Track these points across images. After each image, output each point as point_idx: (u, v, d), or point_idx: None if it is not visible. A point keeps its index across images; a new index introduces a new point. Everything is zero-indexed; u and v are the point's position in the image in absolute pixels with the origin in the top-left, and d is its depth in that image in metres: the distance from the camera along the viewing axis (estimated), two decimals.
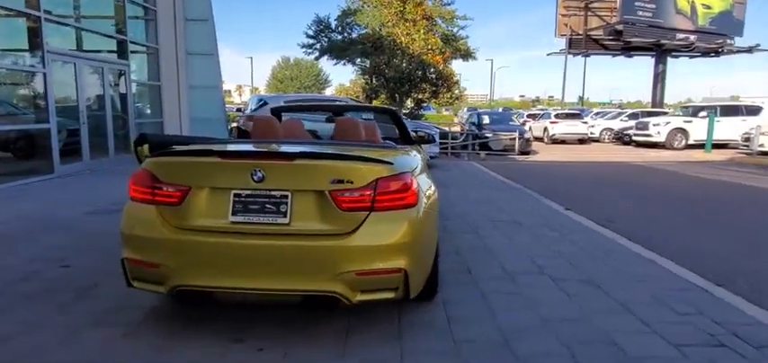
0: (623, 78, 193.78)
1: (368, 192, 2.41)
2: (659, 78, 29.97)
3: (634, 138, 19.94)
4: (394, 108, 4.82)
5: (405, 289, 2.49)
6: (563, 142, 21.51)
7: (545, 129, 21.98)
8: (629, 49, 30.15)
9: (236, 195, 2.43)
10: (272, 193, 2.41)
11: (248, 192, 2.43)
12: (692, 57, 31.57)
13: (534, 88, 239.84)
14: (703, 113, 18.40)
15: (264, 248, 2.38)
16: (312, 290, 2.41)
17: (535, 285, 3.58)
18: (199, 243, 2.39)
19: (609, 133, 23.14)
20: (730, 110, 18.32)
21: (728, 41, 29.81)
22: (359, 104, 6.92)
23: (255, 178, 2.39)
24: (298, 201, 2.41)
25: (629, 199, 8.35)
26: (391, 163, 2.53)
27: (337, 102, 10.47)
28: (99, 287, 3.39)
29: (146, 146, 2.90)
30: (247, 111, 13.57)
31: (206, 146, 2.72)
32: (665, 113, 22.53)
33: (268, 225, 2.41)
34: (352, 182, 2.40)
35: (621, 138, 21.79)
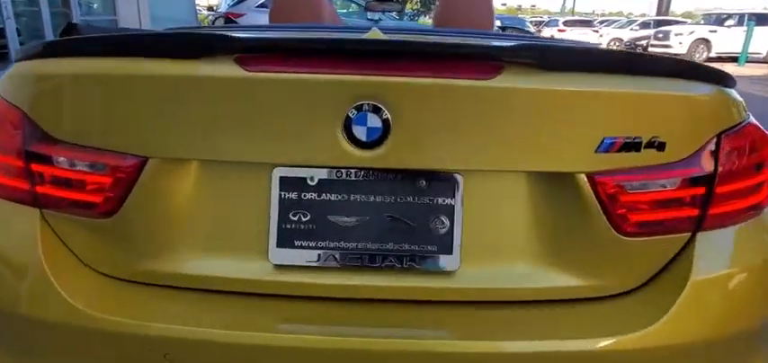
0: None
1: (695, 175, 0.75)
2: None
3: (651, 49, 18.30)
4: None
5: None
6: None
7: (552, 38, 20.11)
8: None
9: (286, 183, 0.77)
10: (418, 181, 0.79)
11: (329, 175, 0.77)
12: None
13: None
14: (731, 22, 16.78)
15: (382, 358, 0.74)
16: None
17: None
18: (172, 340, 0.73)
19: (618, 43, 21.40)
20: (760, 19, 16.66)
21: None
22: None
23: (360, 129, 0.72)
24: (483, 202, 0.78)
25: None
26: (733, 85, 0.87)
27: None
28: None
29: None
30: (222, 9, 11.29)
31: (194, 29, 0.92)
32: (679, 22, 20.85)
33: (391, 273, 0.78)
34: (662, 147, 0.74)
35: (632, 49, 20.18)
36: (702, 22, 18.87)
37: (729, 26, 16.71)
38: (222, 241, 0.82)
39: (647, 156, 0.78)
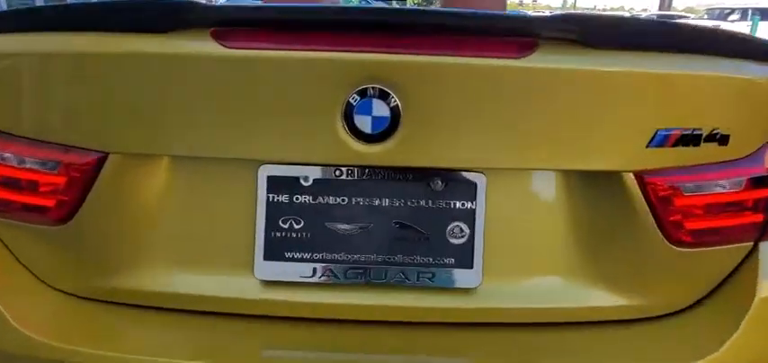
0: None
1: (761, 174, 0.66)
2: None
3: None
4: None
5: None
6: None
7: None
8: None
9: (275, 183, 0.62)
10: (433, 181, 0.66)
11: (325, 174, 0.63)
12: None
13: None
14: (734, 16, 16.72)
15: None
16: None
17: None
18: None
19: None
20: (764, 14, 16.55)
21: None
22: None
23: (364, 118, 0.60)
24: (509, 206, 0.66)
25: None
26: None
27: None
28: None
29: None
30: (220, 2, 11.12)
31: None
32: (682, 17, 20.76)
33: (399, 291, 0.65)
34: (724, 141, 0.60)
35: None
36: (706, 16, 18.79)
37: (733, 21, 16.67)
38: (199, 252, 0.69)
39: (707, 152, 0.65)
